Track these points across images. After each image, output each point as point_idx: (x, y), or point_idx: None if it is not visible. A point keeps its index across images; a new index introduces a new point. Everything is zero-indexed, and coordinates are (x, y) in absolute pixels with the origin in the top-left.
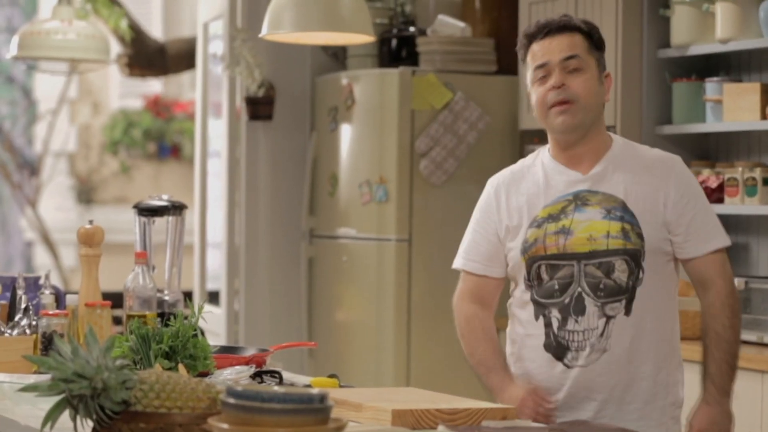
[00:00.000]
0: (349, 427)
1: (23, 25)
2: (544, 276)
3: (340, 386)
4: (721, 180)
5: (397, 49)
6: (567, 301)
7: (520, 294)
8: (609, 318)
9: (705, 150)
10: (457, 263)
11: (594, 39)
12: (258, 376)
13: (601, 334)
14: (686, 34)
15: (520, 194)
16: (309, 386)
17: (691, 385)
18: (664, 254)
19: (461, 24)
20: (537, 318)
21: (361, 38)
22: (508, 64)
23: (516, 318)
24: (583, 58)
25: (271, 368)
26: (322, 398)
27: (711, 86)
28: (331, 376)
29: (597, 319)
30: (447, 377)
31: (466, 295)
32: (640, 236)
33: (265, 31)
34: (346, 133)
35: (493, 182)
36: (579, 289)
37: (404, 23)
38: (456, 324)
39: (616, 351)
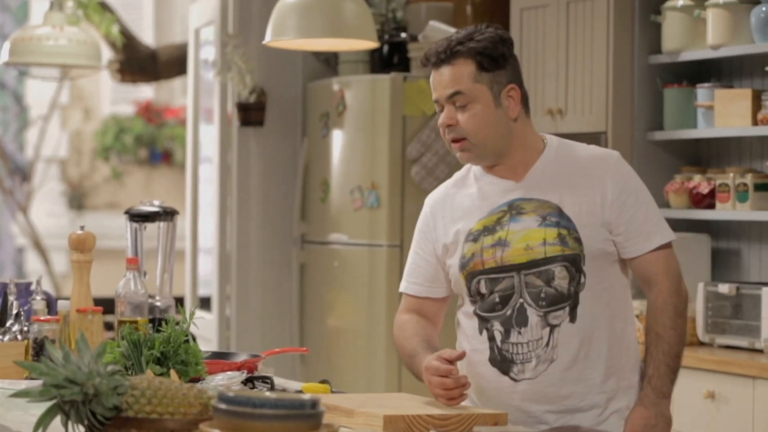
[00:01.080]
0: None
1: (14, 31)
2: (484, 290)
3: (332, 392)
4: (712, 186)
5: (388, 55)
6: (509, 313)
7: (466, 308)
8: (553, 327)
9: (696, 156)
10: (402, 287)
11: (483, 61)
12: (249, 381)
13: (547, 344)
14: (677, 40)
15: (455, 210)
16: (300, 392)
17: (685, 391)
18: (606, 256)
19: (452, 30)
20: (480, 332)
21: (364, 44)
22: None
23: (463, 332)
24: (468, 90)
25: (263, 374)
26: (314, 404)
27: (702, 92)
28: (323, 381)
29: (540, 329)
30: None
31: (404, 311)
32: (578, 240)
33: (268, 38)
34: (337, 138)
35: (429, 201)
36: (521, 300)
37: (396, 29)
38: (393, 340)
39: (565, 360)
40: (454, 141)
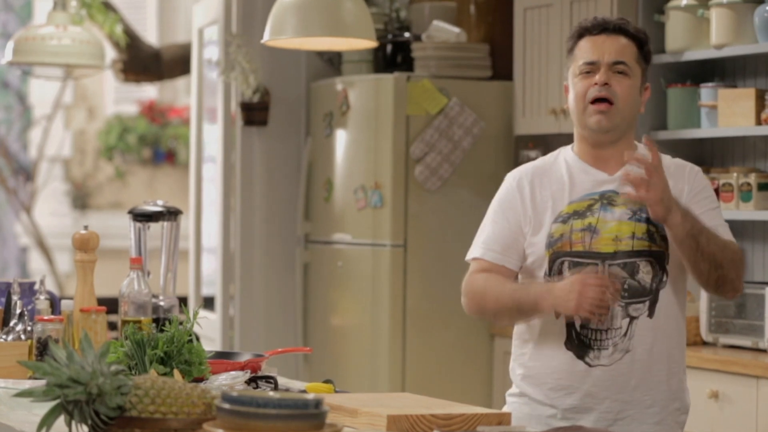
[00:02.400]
0: None
1: (18, 30)
2: (566, 273)
3: (336, 391)
4: (716, 185)
5: (392, 54)
6: None
7: None
8: (633, 318)
9: (700, 155)
10: (475, 253)
11: (644, 50)
12: (253, 381)
13: (625, 334)
14: (681, 40)
15: (543, 188)
16: (304, 391)
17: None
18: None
19: (456, 29)
20: (558, 315)
21: (363, 43)
22: (502, 70)
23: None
24: (631, 65)
25: (266, 374)
26: (318, 403)
27: (706, 92)
28: (327, 381)
29: (620, 319)
30: (442, 382)
31: (477, 272)
32: (665, 239)
33: (267, 37)
34: (341, 138)
35: (515, 175)
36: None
37: (399, 29)
38: (470, 297)
39: (639, 352)
40: (600, 101)
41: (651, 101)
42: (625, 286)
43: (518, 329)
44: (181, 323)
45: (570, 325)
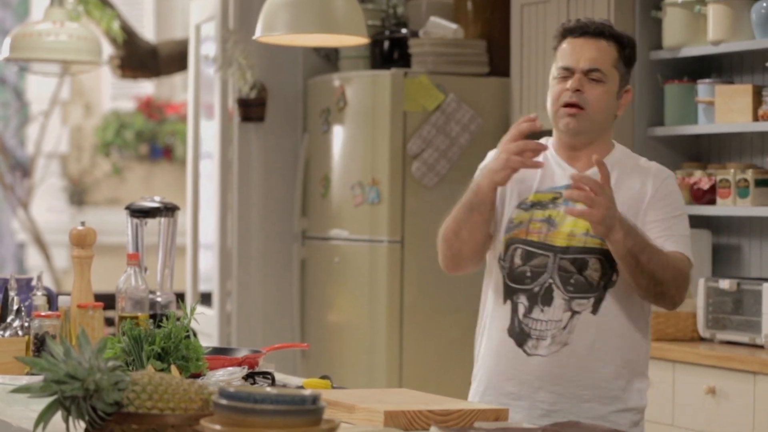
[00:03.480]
0: (342, 428)
1: (15, 26)
2: (517, 260)
3: (333, 387)
4: (713, 181)
5: (389, 50)
6: (536, 290)
7: (495, 276)
8: (575, 313)
9: (697, 151)
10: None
11: (625, 53)
12: (250, 377)
13: (564, 328)
14: (678, 36)
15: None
16: (301, 387)
17: (686, 387)
18: None
19: (453, 26)
20: (505, 301)
21: (354, 40)
22: (500, 66)
23: (487, 299)
24: (607, 72)
25: (264, 369)
26: (315, 399)
27: (703, 88)
28: (324, 377)
29: (562, 312)
30: (439, 378)
31: None
32: None
33: (259, 33)
34: (338, 134)
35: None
36: (550, 281)
37: (396, 25)
38: (439, 243)
39: (578, 347)
40: (571, 105)
41: (648, 97)
42: (572, 281)
43: (479, 316)
44: (178, 319)
45: (514, 312)
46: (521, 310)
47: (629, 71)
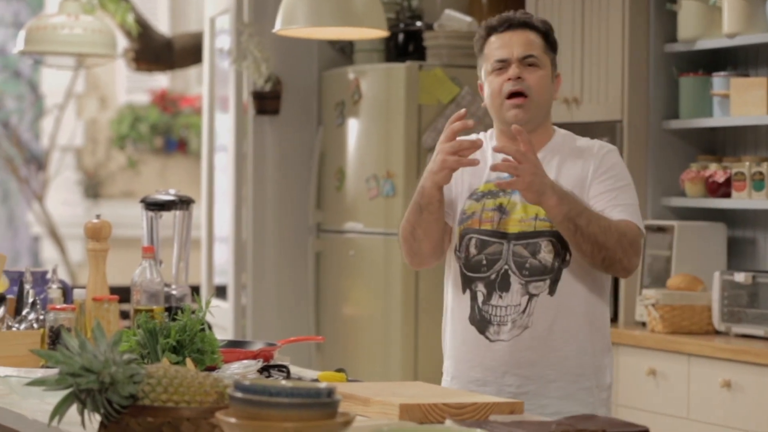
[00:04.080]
0: (357, 421)
1: (30, 19)
2: (473, 250)
3: (348, 380)
4: (728, 174)
5: (404, 43)
6: (493, 277)
7: (453, 266)
8: (532, 296)
9: (712, 144)
10: None
11: (550, 40)
12: (265, 370)
13: (523, 311)
14: (693, 29)
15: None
16: (316, 380)
17: (701, 380)
18: None
19: (468, 18)
20: (464, 291)
21: (374, 33)
22: None
23: (448, 289)
24: (540, 56)
25: (279, 362)
26: (330, 392)
27: (718, 81)
28: (339, 370)
29: (520, 296)
30: None
31: None
32: None
33: (278, 26)
34: (353, 127)
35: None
36: (506, 267)
37: (411, 18)
38: (401, 241)
39: (538, 329)
40: (514, 96)
41: (663, 90)
42: (527, 265)
43: (443, 309)
44: (193, 312)
45: (473, 300)
46: (480, 297)
47: (555, 57)
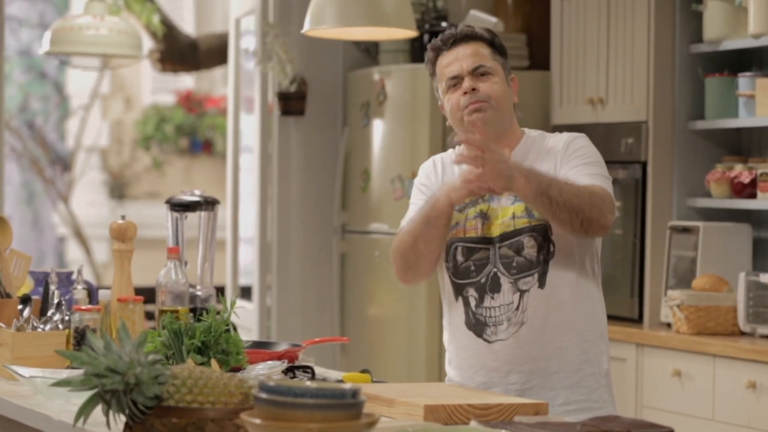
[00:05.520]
0: (382, 422)
1: (55, 20)
2: (459, 257)
3: (373, 381)
4: (753, 175)
5: (428, 44)
6: (483, 280)
7: (445, 276)
8: (523, 292)
9: (737, 145)
10: (402, 225)
11: (496, 46)
12: (290, 371)
13: (517, 308)
14: (719, 29)
15: (446, 176)
16: (341, 381)
17: (726, 381)
18: None
19: (493, 19)
20: (456, 298)
21: (403, 33)
22: (540, 59)
23: (444, 299)
24: (490, 65)
25: (304, 363)
26: (355, 393)
27: (744, 81)
28: (364, 371)
29: (512, 294)
30: None
31: None
32: None
33: (307, 27)
34: (378, 128)
35: (435, 159)
36: (494, 270)
37: (436, 18)
38: (394, 256)
39: (534, 323)
40: (474, 104)
41: (688, 91)
42: (514, 264)
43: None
44: (218, 313)
45: (466, 306)
46: (473, 302)
47: (506, 61)
